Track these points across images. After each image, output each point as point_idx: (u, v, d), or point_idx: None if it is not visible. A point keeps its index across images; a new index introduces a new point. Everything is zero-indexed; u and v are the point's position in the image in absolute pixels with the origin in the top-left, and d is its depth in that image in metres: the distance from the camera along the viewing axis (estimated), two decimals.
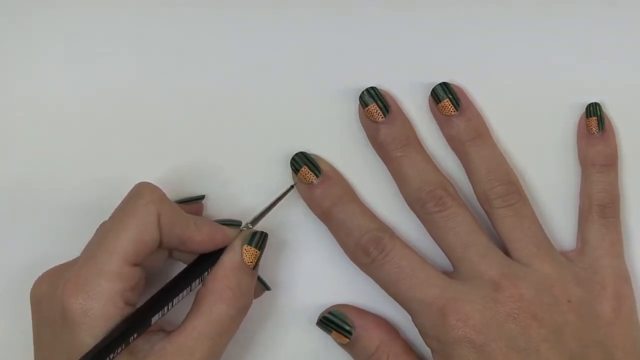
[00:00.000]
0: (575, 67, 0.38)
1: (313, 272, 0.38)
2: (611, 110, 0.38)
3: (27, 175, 0.38)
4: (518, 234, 0.35)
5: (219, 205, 0.38)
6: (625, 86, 0.38)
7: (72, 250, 0.33)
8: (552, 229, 0.38)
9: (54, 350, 0.31)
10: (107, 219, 0.33)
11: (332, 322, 0.36)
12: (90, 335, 0.30)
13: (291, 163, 0.37)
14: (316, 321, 0.36)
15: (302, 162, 0.36)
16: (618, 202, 0.37)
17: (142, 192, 0.32)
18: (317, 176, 0.36)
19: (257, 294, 0.36)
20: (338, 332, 0.36)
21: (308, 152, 0.37)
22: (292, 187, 0.36)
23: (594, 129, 0.37)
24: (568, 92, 0.38)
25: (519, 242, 0.35)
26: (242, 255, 0.33)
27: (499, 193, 0.35)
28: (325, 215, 0.36)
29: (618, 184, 0.37)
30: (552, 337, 0.33)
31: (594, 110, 0.37)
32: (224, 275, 0.33)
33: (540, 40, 0.38)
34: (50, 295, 0.31)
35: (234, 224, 0.35)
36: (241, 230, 0.35)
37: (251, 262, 0.34)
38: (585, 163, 0.37)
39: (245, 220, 0.35)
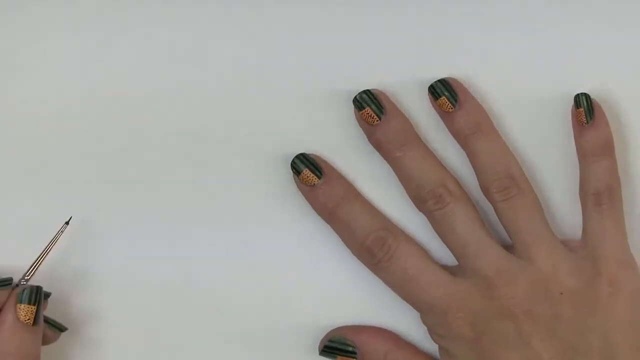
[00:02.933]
0: (579, 53, 0.38)
1: (312, 273, 0.38)
2: (615, 96, 0.38)
3: (29, 168, 0.37)
4: (516, 227, 0.35)
5: (220, 208, 0.37)
6: (629, 71, 0.38)
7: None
8: (562, 219, 0.38)
9: None
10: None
11: (335, 348, 0.36)
12: None
13: (292, 166, 0.36)
14: (318, 352, 0.37)
15: (304, 165, 0.36)
16: (615, 188, 0.36)
17: None
18: (319, 178, 0.36)
19: (52, 339, 0.35)
20: (343, 355, 0.36)
21: (307, 152, 0.37)
22: (66, 224, 0.35)
23: (583, 120, 0.36)
24: (572, 80, 0.38)
25: (518, 235, 0.35)
26: (16, 314, 0.33)
27: (498, 187, 0.36)
28: (329, 216, 0.36)
29: (616, 170, 0.36)
30: (543, 330, 0.33)
31: (580, 101, 0.37)
32: (2, 340, 0.32)
33: (542, 27, 0.38)
34: None
35: (3, 283, 0.34)
36: (13, 289, 0.33)
37: (29, 319, 0.33)
38: (580, 153, 0.37)
39: (17, 276, 0.34)
